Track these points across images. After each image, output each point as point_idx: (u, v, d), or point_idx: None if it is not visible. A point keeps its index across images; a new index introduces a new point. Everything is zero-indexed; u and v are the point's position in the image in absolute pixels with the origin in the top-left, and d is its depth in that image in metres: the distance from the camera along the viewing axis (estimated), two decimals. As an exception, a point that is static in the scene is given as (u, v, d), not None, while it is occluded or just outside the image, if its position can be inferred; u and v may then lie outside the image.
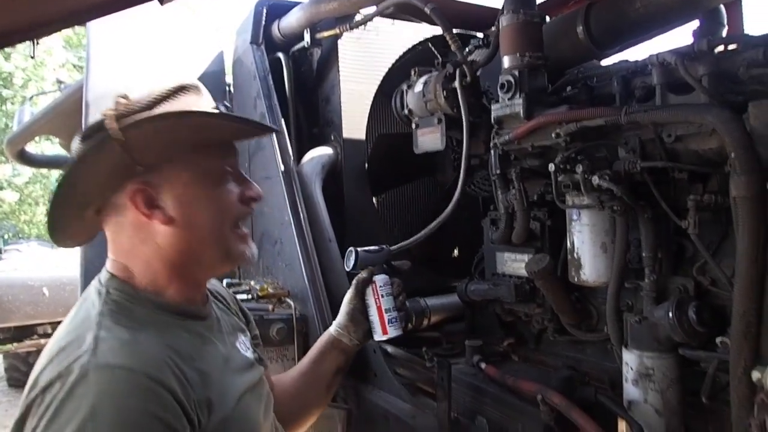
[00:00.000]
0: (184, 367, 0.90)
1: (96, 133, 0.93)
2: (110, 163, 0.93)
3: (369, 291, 1.47)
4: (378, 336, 1.45)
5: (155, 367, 0.87)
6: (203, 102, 1.03)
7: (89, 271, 2.10)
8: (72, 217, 1.00)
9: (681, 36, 1.29)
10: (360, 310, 1.47)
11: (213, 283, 1.20)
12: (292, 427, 1.36)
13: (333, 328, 1.48)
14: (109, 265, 1.01)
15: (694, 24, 1.41)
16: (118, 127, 0.91)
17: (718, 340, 1.08)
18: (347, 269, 1.51)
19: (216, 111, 1.05)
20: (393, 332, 1.44)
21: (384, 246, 1.55)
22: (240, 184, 1.07)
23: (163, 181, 0.97)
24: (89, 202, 0.98)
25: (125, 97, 0.95)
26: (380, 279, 1.47)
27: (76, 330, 0.90)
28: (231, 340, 1.11)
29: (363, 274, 1.48)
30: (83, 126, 0.98)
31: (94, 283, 1.01)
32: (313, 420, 1.45)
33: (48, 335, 5.36)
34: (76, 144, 0.97)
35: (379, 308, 1.45)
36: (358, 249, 1.50)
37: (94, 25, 2.36)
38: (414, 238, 1.64)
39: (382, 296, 1.45)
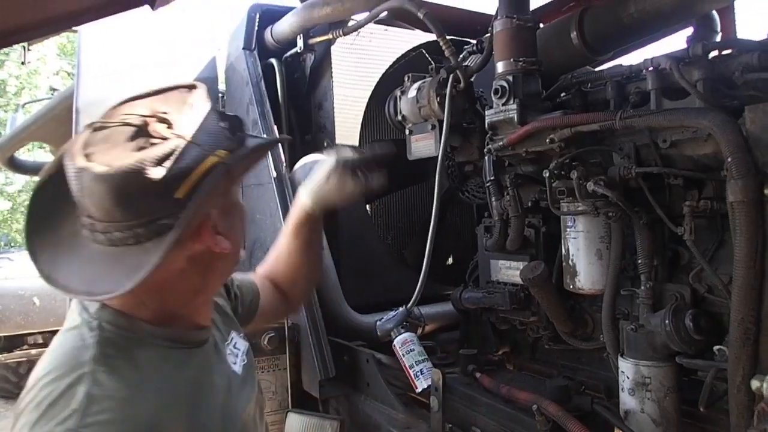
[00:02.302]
0: (184, 422, 0.84)
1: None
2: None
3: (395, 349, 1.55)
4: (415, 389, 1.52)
5: None
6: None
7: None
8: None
9: (675, 44, 1.29)
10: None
11: None
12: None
13: (308, 201, 1.27)
14: None
15: (688, 31, 1.41)
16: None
17: (715, 348, 1.06)
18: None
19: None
20: (423, 384, 1.47)
21: (402, 308, 1.60)
22: None
23: (217, 207, 0.88)
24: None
25: (165, 120, 0.81)
26: (399, 341, 1.54)
27: (65, 376, 0.80)
28: (227, 359, 1.03)
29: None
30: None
31: (78, 311, 0.89)
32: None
33: (38, 345, 5.28)
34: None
35: (404, 366, 1.51)
36: (377, 321, 1.60)
37: (85, 31, 2.35)
38: (420, 282, 1.64)
39: (403, 355, 1.52)
